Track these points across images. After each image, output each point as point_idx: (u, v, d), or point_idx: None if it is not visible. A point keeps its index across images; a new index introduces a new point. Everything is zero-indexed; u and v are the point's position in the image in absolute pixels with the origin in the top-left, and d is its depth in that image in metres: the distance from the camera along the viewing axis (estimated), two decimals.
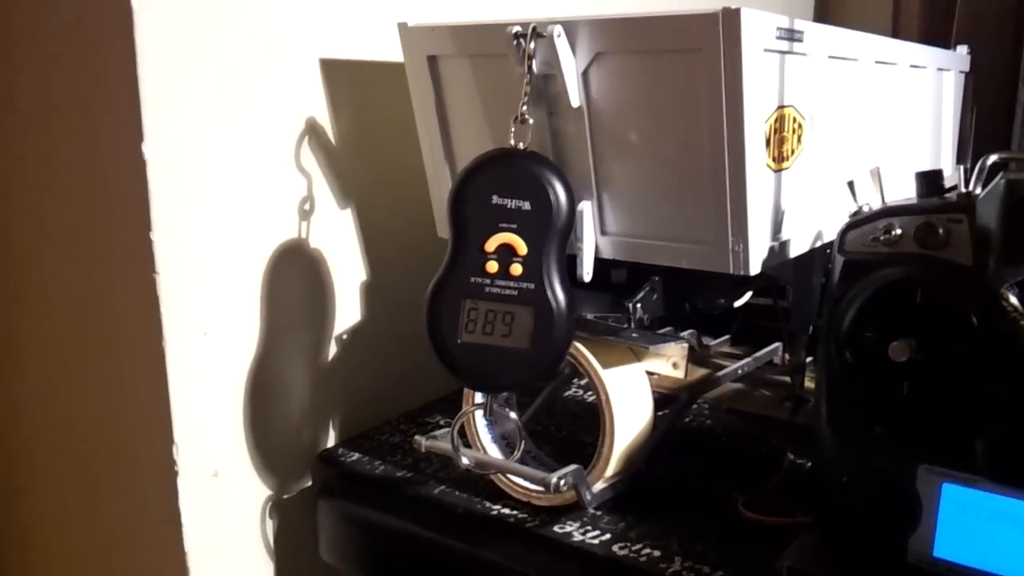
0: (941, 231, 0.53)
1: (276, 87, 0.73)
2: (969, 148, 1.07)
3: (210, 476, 0.72)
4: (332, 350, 0.82)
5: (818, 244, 0.72)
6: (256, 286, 0.74)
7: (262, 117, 0.73)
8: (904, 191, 0.60)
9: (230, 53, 0.69)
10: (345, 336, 0.82)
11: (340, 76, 0.78)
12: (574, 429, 0.80)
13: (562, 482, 0.63)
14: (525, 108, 0.63)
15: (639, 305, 0.69)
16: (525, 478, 0.66)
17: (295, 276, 0.77)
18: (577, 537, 0.63)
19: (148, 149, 0.65)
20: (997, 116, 1.22)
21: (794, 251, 0.68)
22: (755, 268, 0.62)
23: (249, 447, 0.75)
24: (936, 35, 1.24)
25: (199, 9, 0.67)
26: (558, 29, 0.62)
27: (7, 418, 0.84)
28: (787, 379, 0.84)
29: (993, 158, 0.57)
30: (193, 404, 0.70)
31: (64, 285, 0.75)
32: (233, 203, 0.71)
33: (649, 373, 0.71)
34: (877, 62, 0.78)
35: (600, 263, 0.68)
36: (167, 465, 0.70)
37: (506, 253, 0.61)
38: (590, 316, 0.68)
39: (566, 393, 0.87)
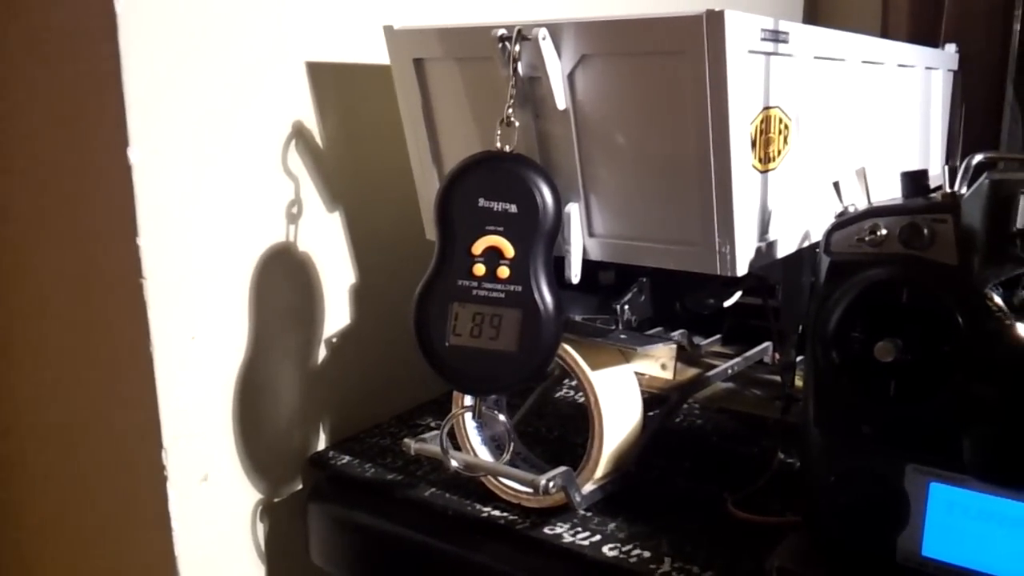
0: (926, 231, 0.53)
1: (262, 91, 0.73)
2: (958, 147, 1.07)
3: (200, 480, 0.72)
4: (321, 353, 0.82)
5: (806, 244, 0.72)
6: (244, 290, 0.74)
7: (249, 121, 0.72)
8: (893, 191, 0.60)
9: (216, 57, 0.69)
10: (334, 339, 0.82)
11: (327, 79, 0.78)
12: (564, 430, 0.80)
13: (551, 484, 0.63)
14: (511, 111, 0.63)
15: (627, 306, 0.69)
16: (514, 480, 0.67)
17: (283, 279, 0.77)
18: (567, 538, 0.63)
19: (134, 154, 0.64)
20: (986, 114, 1.22)
21: (781, 251, 0.68)
22: (742, 269, 0.62)
23: (239, 451, 0.75)
24: (925, 34, 1.24)
25: (184, 14, 0.66)
26: (543, 32, 0.62)
27: None
28: (777, 378, 0.84)
29: (979, 158, 0.57)
30: (182, 408, 0.70)
31: (52, 290, 0.75)
32: (220, 207, 0.71)
33: (639, 373, 0.71)
34: (864, 62, 0.78)
35: (588, 264, 0.68)
36: (156, 470, 0.70)
37: (493, 256, 0.61)
38: (578, 318, 0.68)
39: (557, 394, 0.87)
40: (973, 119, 1.15)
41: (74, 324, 0.74)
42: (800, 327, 0.77)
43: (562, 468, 0.64)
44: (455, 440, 0.71)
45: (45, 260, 0.74)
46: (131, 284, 0.66)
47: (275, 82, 0.74)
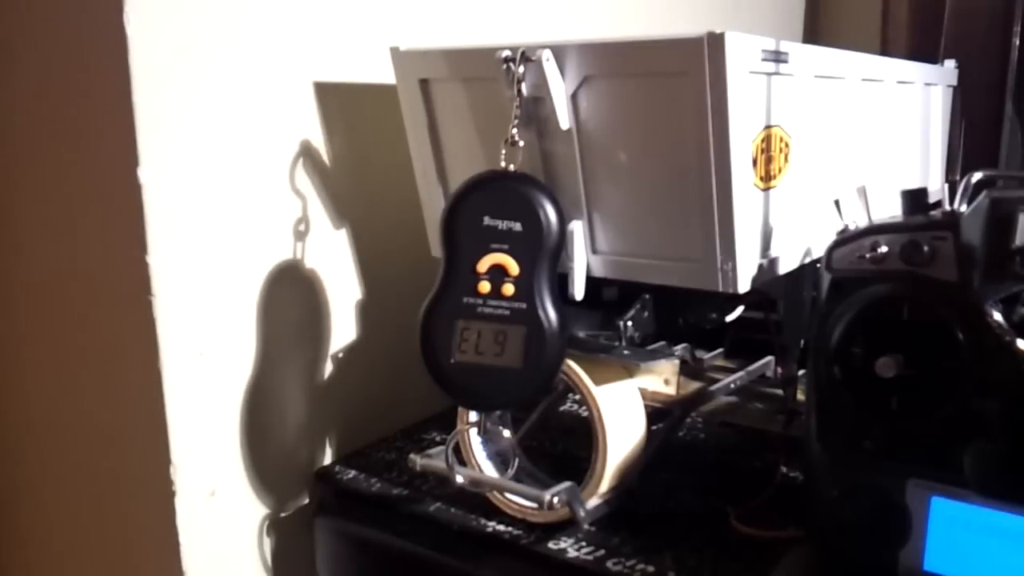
0: (926, 248, 0.54)
1: (271, 110, 0.74)
2: (958, 163, 1.08)
3: (208, 495, 0.73)
4: (328, 369, 0.82)
5: (807, 260, 0.73)
6: (252, 307, 0.75)
7: (257, 140, 0.73)
8: (893, 207, 0.61)
9: (225, 77, 0.70)
10: (341, 355, 0.83)
11: (334, 99, 0.79)
12: (569, 444, 0.81)
13: (556, 499, 0.63)
14: (515, 130, 0.64)
15: (630, 323, 0.70)
16: (519, 495, 0.67)
17: (291, 296, 0.78)
18: (572, 553, 0.64)
19: (144, 173, 0.65)
20: (985, 130, 1.23)
21: (783, 268, 0.69)
22: (744, 286, 0.63)
23: (246, 466, 0.76)
24: (924, 50, 1.25)
25: (194, 34, 0.67)
26: (547, 53, 0.63)
27: (6, 438, 0.84)
28: (779, 392, 0.84)
29: (978, 176, 0.58)
30: (190, 424, 0.71)
31: (61, 307, 0.75)
32: (229, 225, 0.72)
33: (642, 388, 0.71)
34: (864, 79, 0.79)
35: (592, 281, 0.69)
36: (165, 485, 0.70)
37: (498, 273, 0.62)
38: (582, 334, 0.69)
39: (561, 408, 0.88)
40: (972, 134, 1.15)
41: (83, 340, 0.74)
42: (802, 341, 0.78)
43: (567, 483, 0.65)
44: (460, 455, 0.71)
45: (55, 277, 0.75)
46: (140, 301, 0.67)
47: (283, 102, 0.75)
